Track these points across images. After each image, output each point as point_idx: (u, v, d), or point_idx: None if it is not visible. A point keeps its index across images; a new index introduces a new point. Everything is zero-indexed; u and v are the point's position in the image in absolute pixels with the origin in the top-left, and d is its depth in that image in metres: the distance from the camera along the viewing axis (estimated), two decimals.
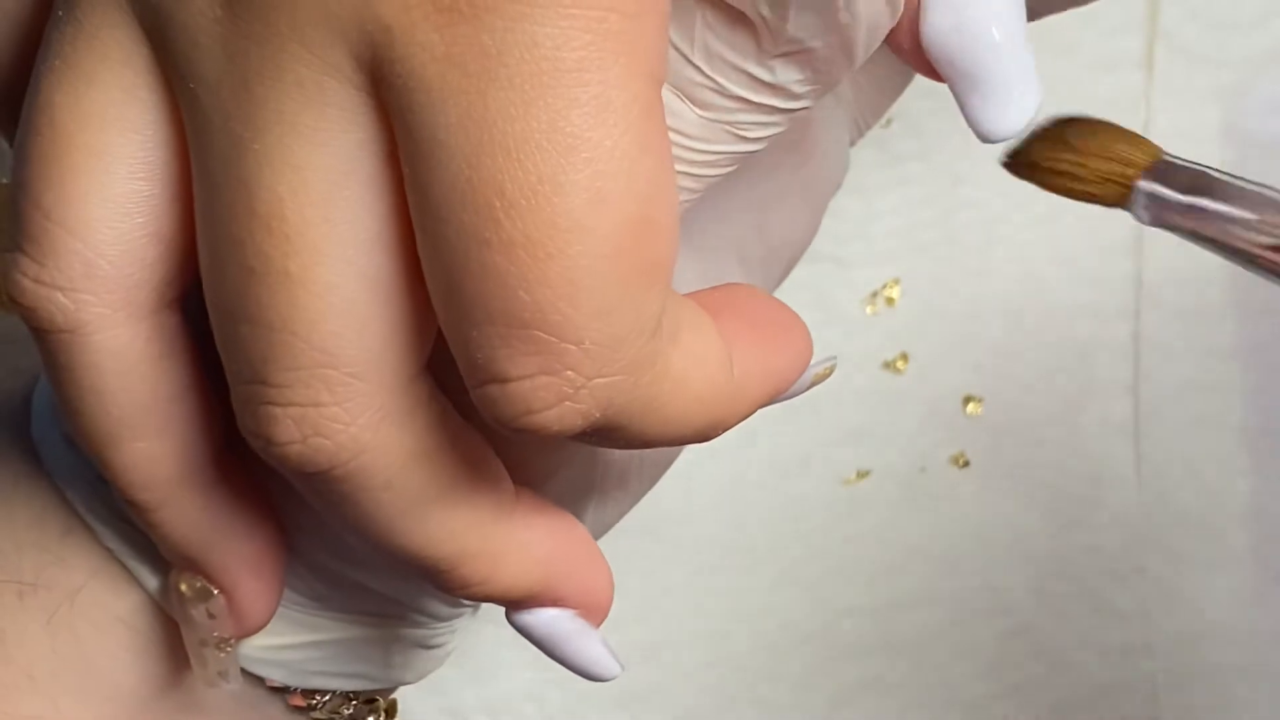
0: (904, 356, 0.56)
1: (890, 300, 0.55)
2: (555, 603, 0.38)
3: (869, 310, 0.55)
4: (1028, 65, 0.35)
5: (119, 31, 0.34)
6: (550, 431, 0.32)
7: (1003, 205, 0.55)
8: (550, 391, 0.32)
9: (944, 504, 0.56)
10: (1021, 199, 0.55)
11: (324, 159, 0.32)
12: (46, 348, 0.36)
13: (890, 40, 0.34)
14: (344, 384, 0.33)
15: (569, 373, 0.32)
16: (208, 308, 0.34)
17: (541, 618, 0.39)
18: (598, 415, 0.32)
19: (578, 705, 0.56)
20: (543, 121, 0.31)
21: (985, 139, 0.35)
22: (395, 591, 0.41)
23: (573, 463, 0.40)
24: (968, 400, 0.56)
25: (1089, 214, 0.55)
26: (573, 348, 0.32)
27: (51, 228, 0.35)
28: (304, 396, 0.33)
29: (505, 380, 0.32)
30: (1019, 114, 0.35)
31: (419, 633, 0.42)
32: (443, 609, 0.43)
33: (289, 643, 0.41)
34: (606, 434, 0.33)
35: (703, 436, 0.35)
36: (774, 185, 0.41)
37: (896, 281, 0.55)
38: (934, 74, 0.34)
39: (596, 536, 0.41)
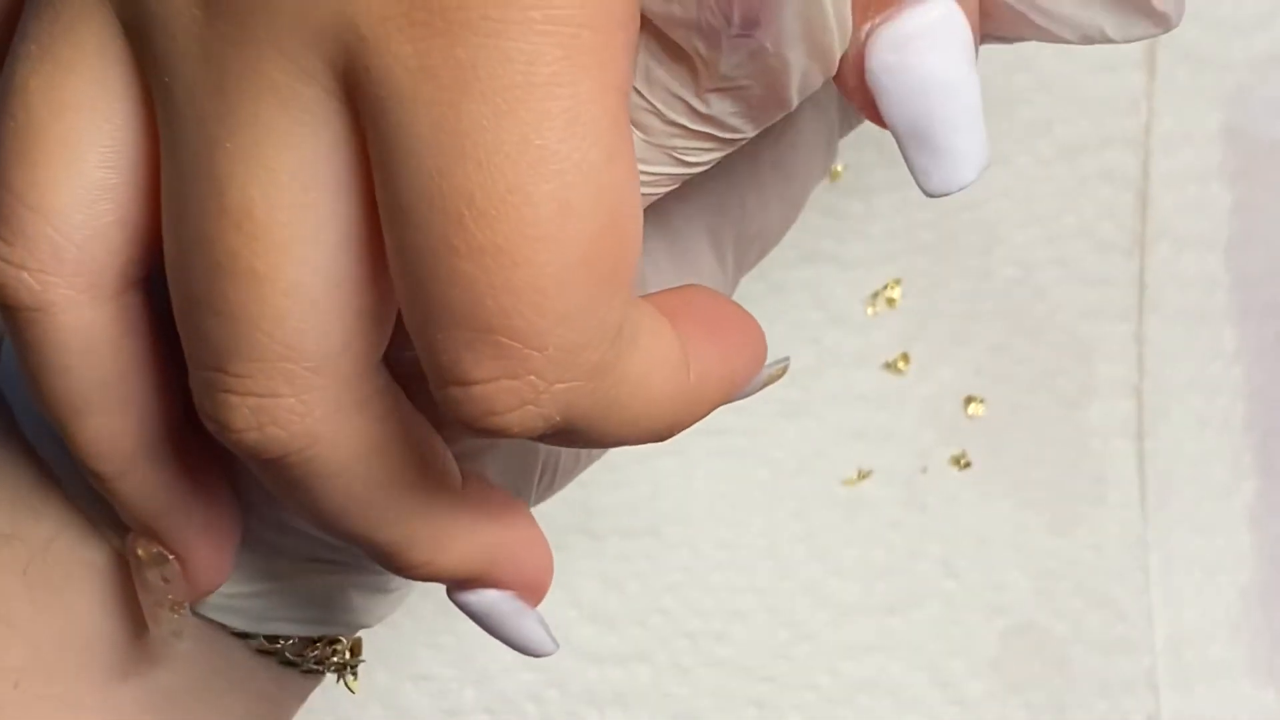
0: (904, 357, 0.56)
1: (890, 300, 0.55)
2: (496, 584, 0.39)
3: (869, 310, 0.55)
4: (975, 117, 0.34)
5: (95, 23, 0.35)
6: (511, 433, 0.33)
7: (1003, 205, 0.55)
8: (513, 395, 0.32)
9: (944, 504, 0.56)
10: (1022, 199, 0.55)
11: (295, 161, 0.33)
12: (13, 322, 0.36)
13: (838, 80, 0.35)
14: (302, 378, 0.34)
15: (531, 377, 0.32)
16: (171, 294, 0.35)
17: (483, 598, 0.39)
18: (558, 418, 0.33)
19: (578, 705, 0.56)
20: (514, 134, 0.31)
21: (927, 193, 0.34)
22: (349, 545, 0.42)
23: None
24: (968, 400, 0.56)
25: (1090, 214, 0.55)
26: (535, 353, 0.32)
27: (22, 210, 0.35)
28: (263, 387, 0.34)
29: (469, 383, 0.32)
30: (965, 168, 0.34)
31: (375, 579, 0.43)
32: None
33: (246, 590, 0.42)
34: (566, 435, 0.34)
35: (660, 437, 0.35)
36: (752, 175, 0.41)
37: (897, 282, 0.55)
38: (877, 118, 0.34)
39: (542, 499, 0.43)
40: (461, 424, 0.33)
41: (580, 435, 0.34)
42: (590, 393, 0.33)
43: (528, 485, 0.42)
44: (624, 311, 0.33)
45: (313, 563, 0.42)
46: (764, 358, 0.38)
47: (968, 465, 0.56)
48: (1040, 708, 0.57)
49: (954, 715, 0.57)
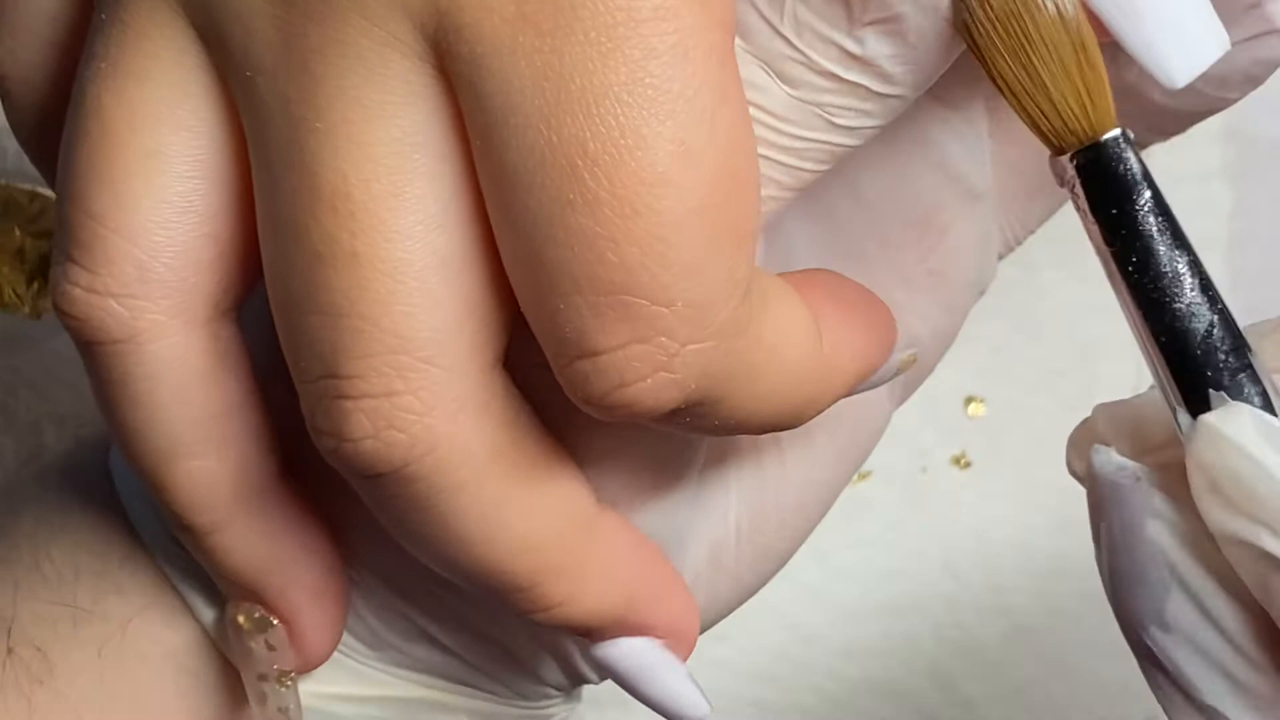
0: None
1: None
2: (640, 630, 0.36)
3: None
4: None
5: (168, 29, 0.33)
6: (644, 406, 0.31)
7: None
8: (644, 361, 0.30)
9: (944, 504, 0.56)
10: None
11: (389, 133, 0.31)
12: (98, 361, 0.34)
13: None
14: (417, 370, 0.32)
15: (662, 339, 0.30)
16: (271, 305, 0.33)
17: (627, 648, 0.36)
18: (692, 386, 0.31)
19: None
20: (622, 74, 0.30)
21: (1172, 86, 0.32)
22: (463, 649, 0.39)
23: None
24: (968, 400, 0.56)
25: None
26: (665, 311, 0.30)
27: (104, 233, 0.33)
28: (377, 386, 0.32)
29: (596, 353, 0.30)
30: (1207, 45, 0.32)
31: (492, 708, 0.40)
32: (522, 685, 0.40)
33: (345, 694, 0.39)
34: (700, 411, 0.32)
35: (795, 416, 0.33)
36: (893, 267, 0.39)
37: None
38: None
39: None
40: (589, 405, 0.31)
41: (715, 410, 0.32)
42: (724, 354, 0.31)
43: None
44: (750, 266, 0.31)
45: (425, 676, 0.39)
46: (894, 340, 0.36)
47: (968, 465, 0.56)
48: (1040, 708, 0.57)
49: (954, 716, 0.57)
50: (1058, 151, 0.33)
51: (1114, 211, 0.33)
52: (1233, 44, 0.33)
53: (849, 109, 0.33)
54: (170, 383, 0.34)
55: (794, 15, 0.32)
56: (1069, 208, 0.50)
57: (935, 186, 0.38)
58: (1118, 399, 0.36)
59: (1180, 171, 0.55)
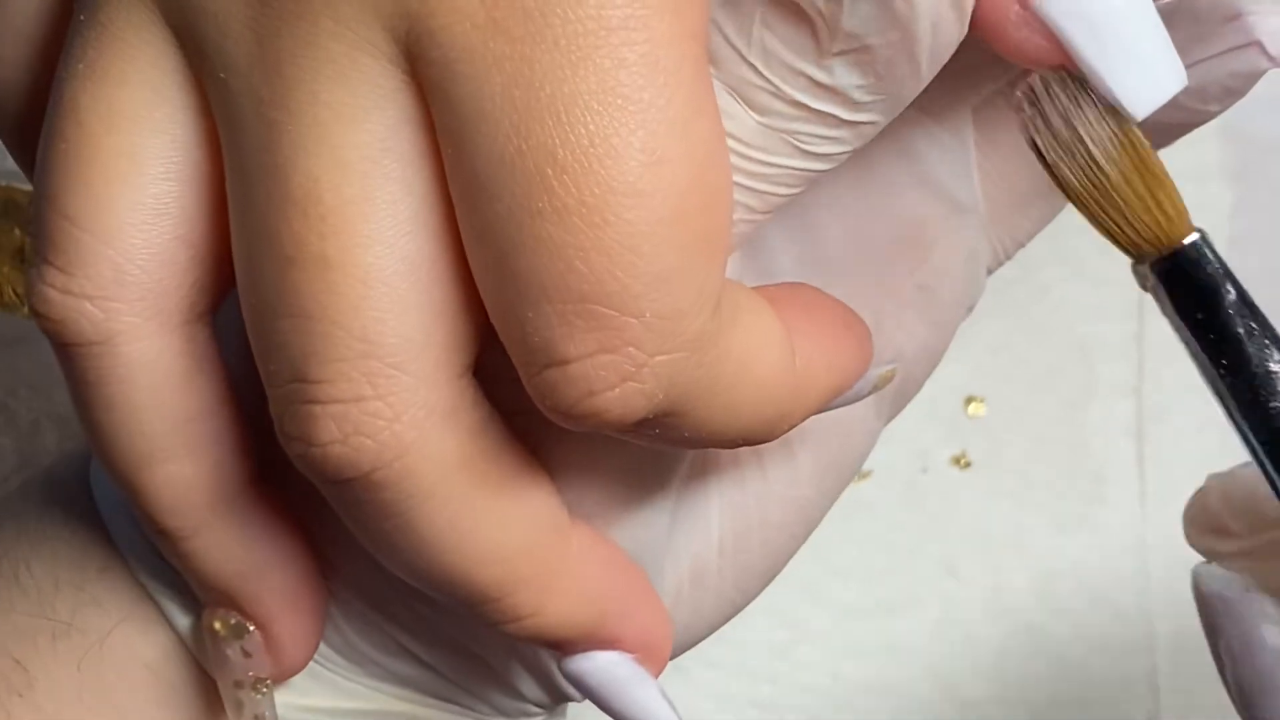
0: None
1: None
2: (611, 644, 0.36)
3: None
4: (1159, 24, 0.32)
5: (145, 31, 0.33)
6: (612, 416, 0.31)
7: None
8: (612, 370, 0.30)
9: (944, 504, 0.56)
10: None
11: (360, 137, 0.31)
12: (73, 364, 0.34)
13: (992, 23, 0.32)
14: (386, 375, 0.31)
15: (630, 349, 0.30)
16: (243, 309, 0.33)
17: (598, 662, 0.36)
18: (660, 397, 0.31)
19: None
20: (592, 83, 0.30)
21: (1139, 115, 0.32)
22: (441, 664, 0.39)
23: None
24: (968, 400, 0.56)
25: None
26: (633, 321, 0.30)
27: (79, 234, 0.33)
28: (345, 391, 0.31)
29: (564, 362, 0.30)
30: (1170, 76, 0.32)
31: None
32: (501, 700, 0.40)
33: (322, 706, 0.39)
34: (669, 422, 0.31)
35: (768, 430, 0.33)
36: (879, 283, 0.38)
37: None
38: (1043, 56, 0.32)
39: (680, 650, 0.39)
40: (558, 414, 0.31)
41: (684, 422, 0.31)
42: (694, 366, 0.31)
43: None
44: (721, 278, 0.31)
45: (403, 690, 0.39)
46: (870, 356, 0.36)
47: (968, 465, 0.56)
48: (1040, 708, 0.57)
49: (954, 716, 0.57)
50: (1138, 260, 0.33)
51: (1199, 316, 0.33)
52: (1211, 57, 0.34)
53: (819, 136, 0.33)
54: (145, 385, 0.34)
55: (761, 44, 0.32)
56: (1067, 208, 0.50)
57: (921, 201, 0.38)
58: (1229, 469, 0.37)
59: (1179, 171, 0.55)
